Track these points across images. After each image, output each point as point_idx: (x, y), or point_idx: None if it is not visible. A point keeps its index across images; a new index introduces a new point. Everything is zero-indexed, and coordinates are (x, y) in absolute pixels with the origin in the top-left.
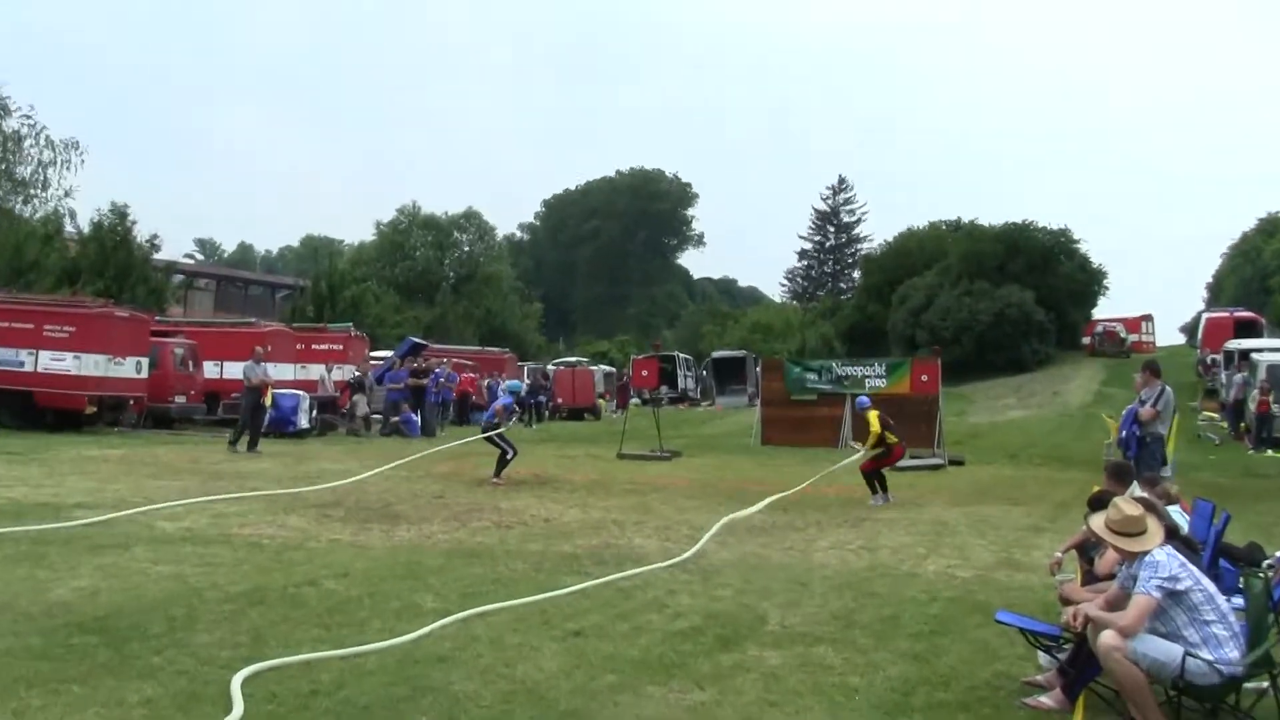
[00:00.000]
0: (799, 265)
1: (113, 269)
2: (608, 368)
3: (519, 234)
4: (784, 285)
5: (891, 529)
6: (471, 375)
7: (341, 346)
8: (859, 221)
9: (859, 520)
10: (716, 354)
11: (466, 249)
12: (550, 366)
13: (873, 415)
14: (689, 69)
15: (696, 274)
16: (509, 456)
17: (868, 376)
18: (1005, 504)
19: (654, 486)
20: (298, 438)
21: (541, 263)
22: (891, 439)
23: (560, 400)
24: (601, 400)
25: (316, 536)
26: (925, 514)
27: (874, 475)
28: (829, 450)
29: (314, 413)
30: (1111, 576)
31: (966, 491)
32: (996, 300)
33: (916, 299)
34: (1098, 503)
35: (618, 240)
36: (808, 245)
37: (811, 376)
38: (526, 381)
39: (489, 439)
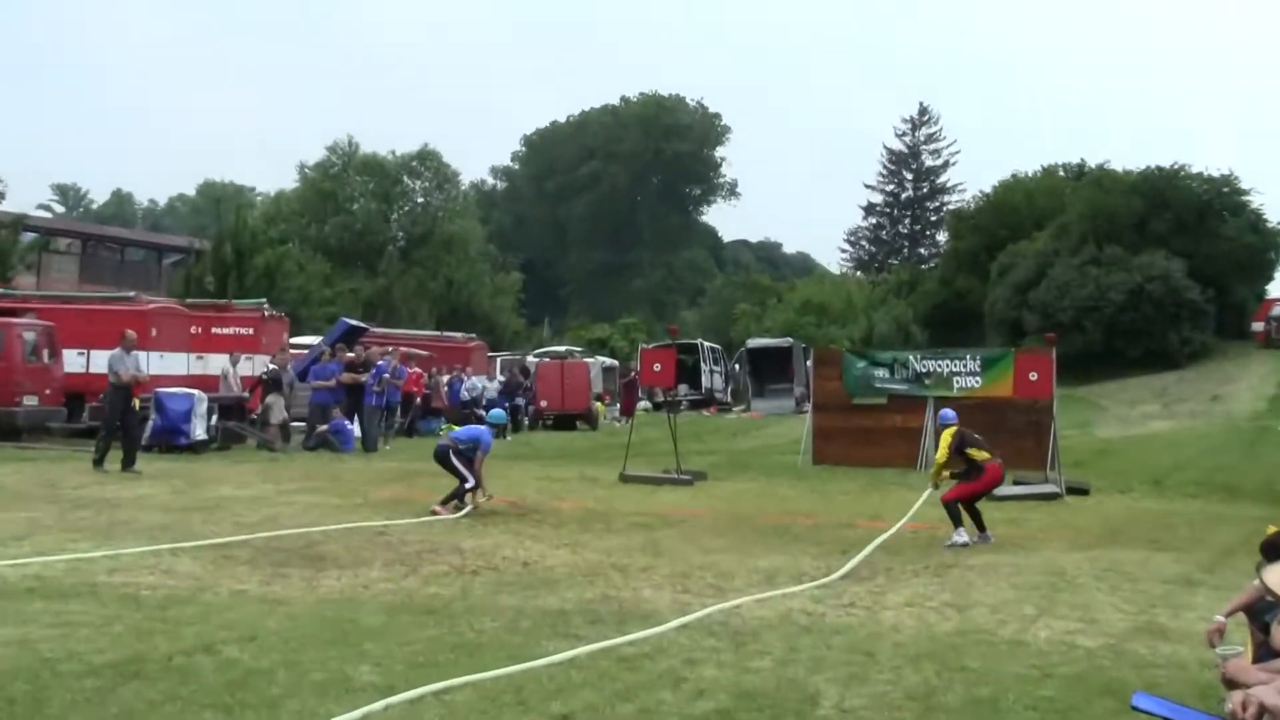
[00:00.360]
0: (865, 225)
1: None
2: (608, 360)
3: (491, 181)
4: (844, 252)
5: (989, 580)
6: (417, 371)
7: (252, 331)
8: (946, 166)
9: (944, 568)
10: (753, 343)
11: (421, 201)
12: (531, 359)
13: (946, 435)
14: None
15: (727, 236)
16: (468, 486)
17: (956, 374)
18: (1146, 548)
19: (667, 520)
20: (191, 452)
21: (521, 220)
22: (979, 455)
23: (544, 404)
24: (599, 404)
25: (214, 586)
26: (1035, 560)
27: (961, 505)
28: (904, 472)
29: (213, 419)
30: None
31: (1092, 530)
32: (1134, 272)
33: (1023, 270)
34: (1274, 549)
35: (624, 190)
36: (877, 198)
37: (881, 373)
38: (501, 378)
39: (445, 463)
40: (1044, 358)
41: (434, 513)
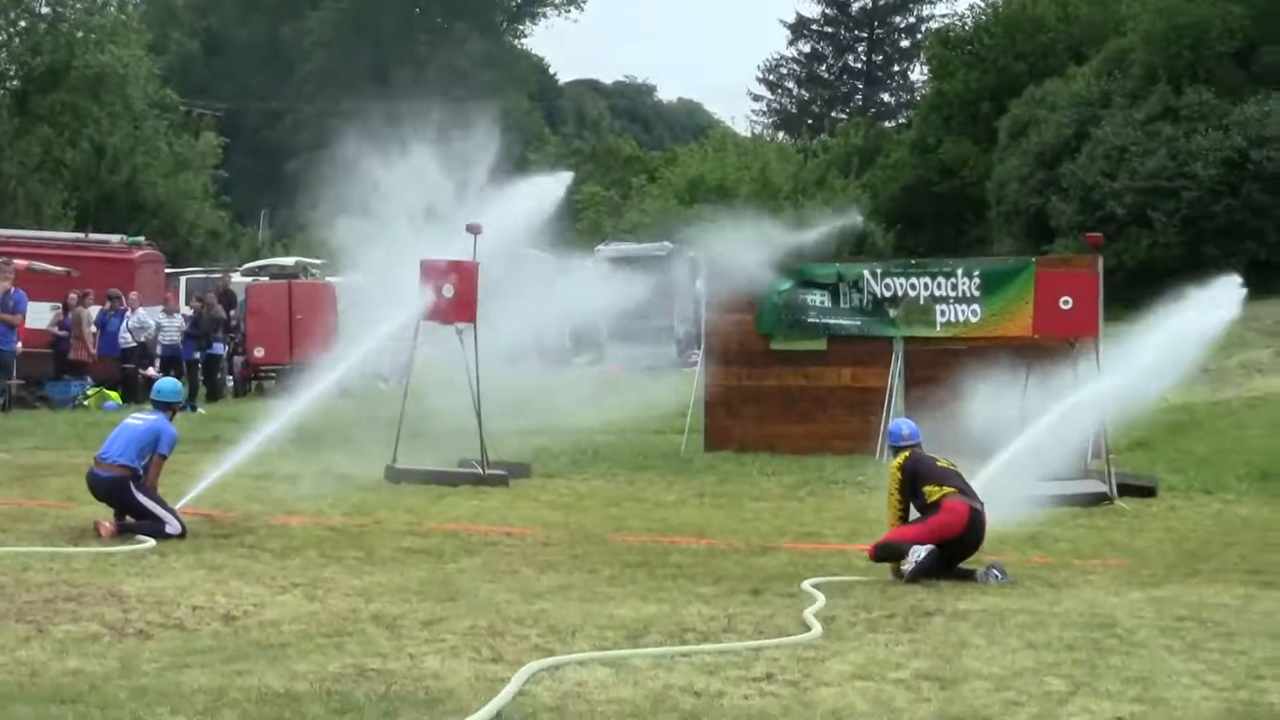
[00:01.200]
0: (791, 55)
1: None
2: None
3: None
4: (758, 100)
5: (991, 636)
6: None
7: None
8: None
9: (919, 615)
10: (609, 250)
11: (45, 12)
12: (239, 278)
13: (893, 469)
14: None
15: (564, 74)
16: (171, 531)
17: (941, 300)
18: (1245, 583)
19: (466, 544)
20: None
21: (218, 44)
22: (936, 492)
23: (260, 352)
24: None
25: None
26: (1066, 603)
27: (903, 555)
28: (855, 462)
29: None
30: None
31: (1159, 555)
32: (1233, 131)
33: (1051, 129)
34: None
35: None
36: (811, 9)
37: (817, 299)
38: (187, 311)
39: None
40: (1084, 273)
41: (100, 531)
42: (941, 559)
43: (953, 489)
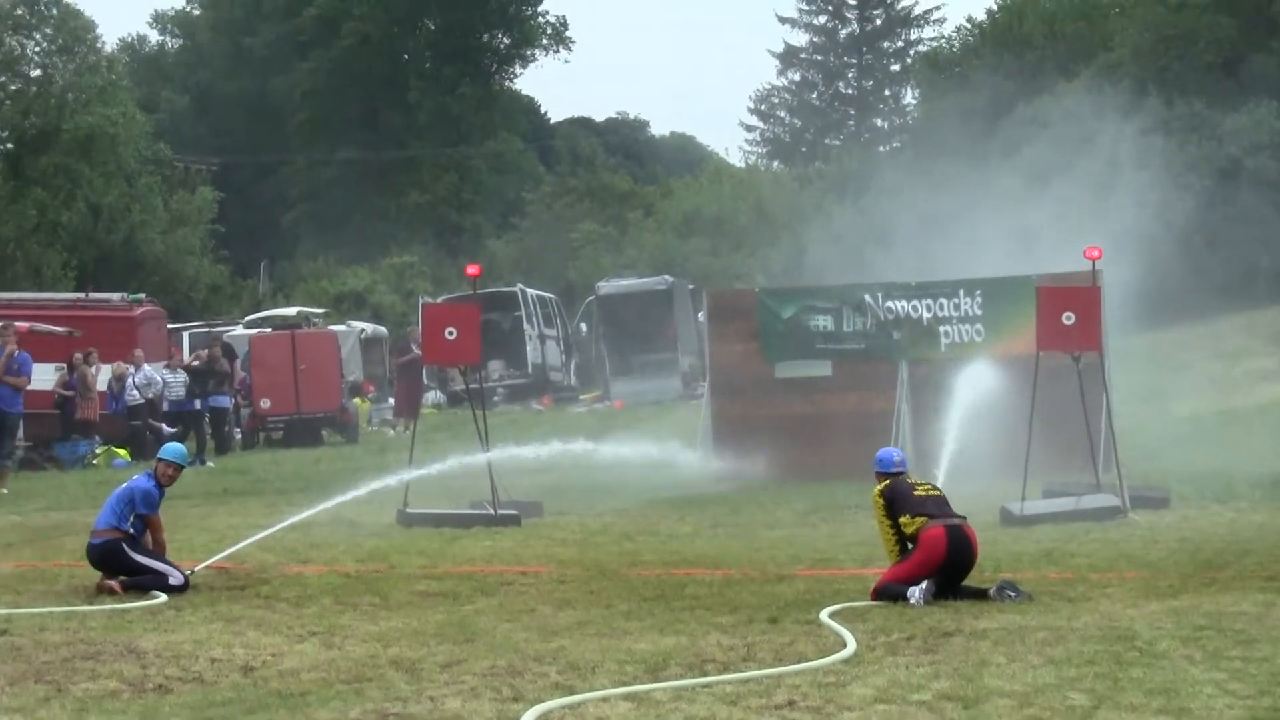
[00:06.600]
0: (782, 85)
1: None
2: (370, 328)
3: (155, 37)
4: (751, 131)
5: (1011, 654)
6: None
7: None
8: None
9: (939, 636)
10: (608, 286)
11: (36, 75)
12: (240, 330)
13: (875, 499)
14: None
15: (556, 113)
16: (174, 582)
17: (945, 320)
18: (1265, 590)
19: (482, 585)
20: None
21: (209, 99)
22: (912, 524)
23: (266, 404)
24: (360, 400)
25: None
26: (1085, 618)
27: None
28: (865, 486)
29: None
30: None
31: (1174, 564)
32: (1225, 141)
33: (1045, 144)
34: None
35: (379, 42)
36: (799, 38)
37: (821, 324)
38: (190, 360)
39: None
40: (1085, 288)
41: (106, 590)
42: (943, 584)
43: (924, 517)
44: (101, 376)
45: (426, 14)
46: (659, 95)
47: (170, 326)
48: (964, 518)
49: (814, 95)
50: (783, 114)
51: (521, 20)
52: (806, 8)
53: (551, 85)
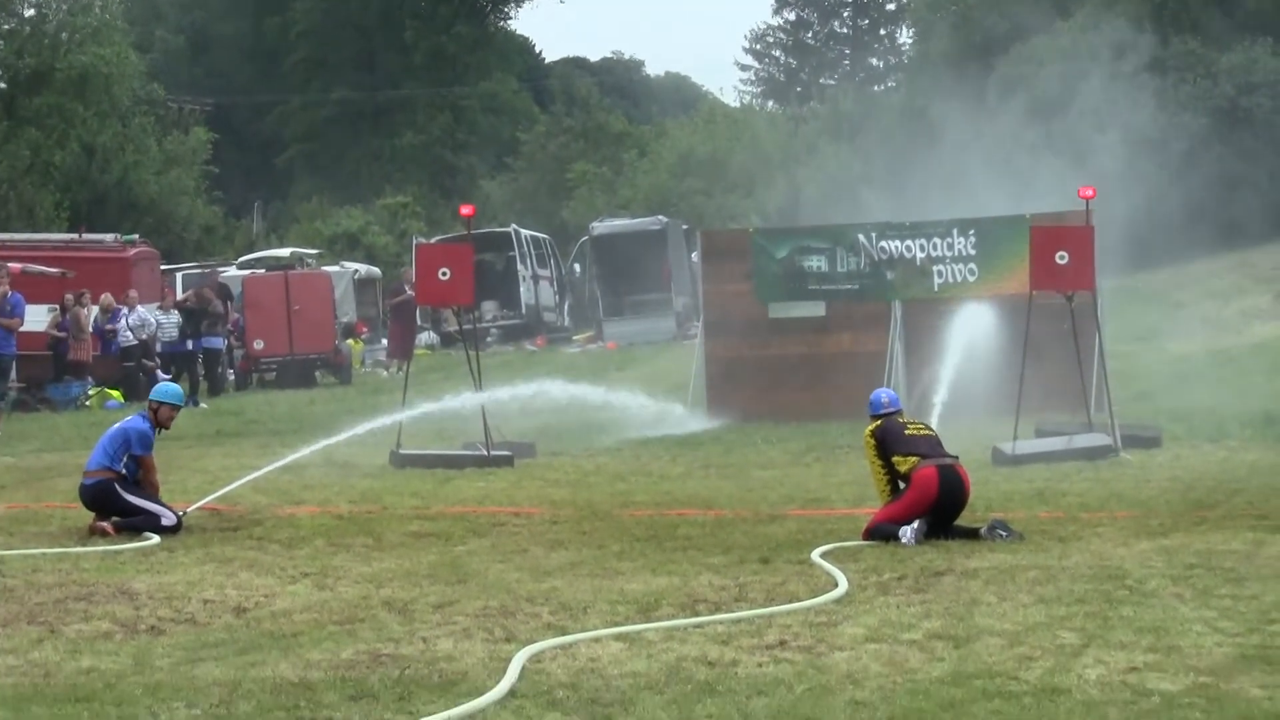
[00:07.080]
0: (777, 24)
1: None
2: (363, 269)
3: None
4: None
5: (1002, 593)
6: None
7: None
8: None
9: (930, 575)
10: (602, 227)
11: (29, 14)
12: (234, 271)
13: (866, 440)
14: None
15: (551, 53)
16: (166, 523)
17: (938, 260)
18: (1253, 528)
19: (474, 525)
20: None
21: (204, 40)
22: (905, 463)
23: (259, 345)
24: (353, 341)
25: None
26: (1075, 557)
27: (890, 533)
28: (859, 426)
29: None
30: None
31: (1166, 504)
32: (1221, 79)
33: (1040, 86)
34: None
35: None
36: None
37: (815, 264)
38: (182, 298)
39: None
40: (1078, 227)
41: (99, 531)
42: (935, 523)
43: (917, 456)
44: (92, 317)
45: None
46: (654, 35)
47: (164, 268)
48: (956, 457)
49: (809, 34)
50: (778, 53)
51: None
52: None
53: (546, 25)
